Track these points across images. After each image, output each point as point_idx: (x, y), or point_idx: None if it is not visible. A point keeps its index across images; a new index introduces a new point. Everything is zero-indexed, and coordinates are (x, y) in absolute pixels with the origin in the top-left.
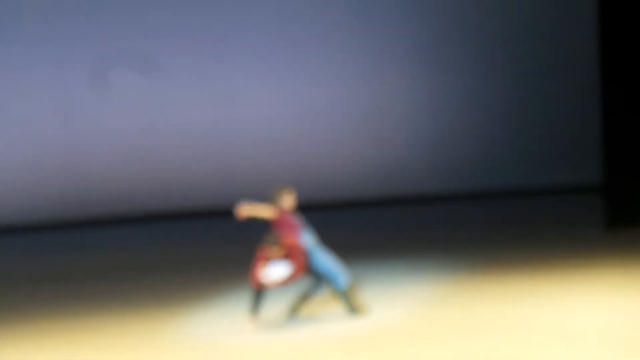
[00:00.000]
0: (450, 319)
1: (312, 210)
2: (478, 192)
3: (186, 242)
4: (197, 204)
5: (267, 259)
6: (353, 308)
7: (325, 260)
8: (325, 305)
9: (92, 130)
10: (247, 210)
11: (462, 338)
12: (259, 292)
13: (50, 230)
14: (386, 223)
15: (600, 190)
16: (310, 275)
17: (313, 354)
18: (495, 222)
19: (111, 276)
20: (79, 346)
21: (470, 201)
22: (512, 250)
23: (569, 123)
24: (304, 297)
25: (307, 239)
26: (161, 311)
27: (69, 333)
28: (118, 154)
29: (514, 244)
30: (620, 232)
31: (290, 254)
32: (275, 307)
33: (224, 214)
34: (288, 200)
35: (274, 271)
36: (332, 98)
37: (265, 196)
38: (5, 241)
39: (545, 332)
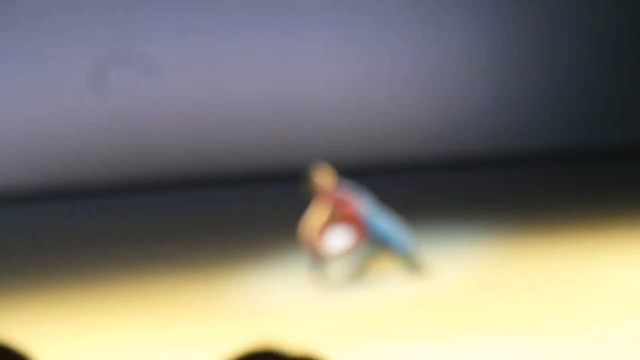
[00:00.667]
0: (514, 282)
1: (376, 173)
2: (545, 153)
3: (245, 206)
4: (258, 167)
5: (326, 228)
6: (414, 269)
7: (386, 224)
8: (386, 268)
9: (151, 95)
10: (314, 234)
11: (525, 297)
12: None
13: (112, 193)
14: (447, 186)
15: None
16: (372, 241)
17: (377, 315)
18: (556, 186)
19: (172, 239)
20: (139, 307)
21: (534, 163)
22: (571, 213)
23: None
24: (367, 259)
25: (364, 206)
26: (223, 274)
27: (130, 295)
28: (176, 117)
29: (572, 206)
30: None
31: (349, 222)
32: (338, 268)
33: (285, 177)
34: (323, 179)
35: (335, 241)
36: (393, 58)
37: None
38: (60, 204)
39: (607, 291)
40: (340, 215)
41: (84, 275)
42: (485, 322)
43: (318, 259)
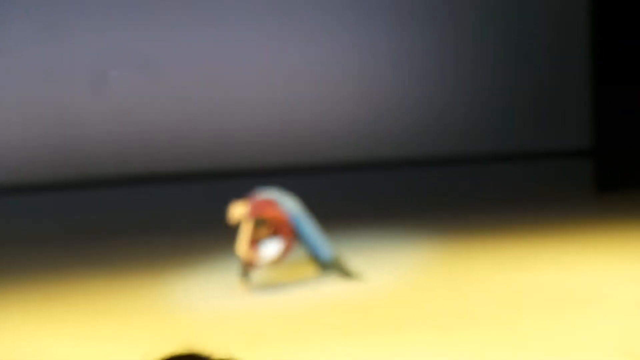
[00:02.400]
0: (444, 284)
1: (303, 174)
2: (465, 156)
3: (180, 205)
4: (189, 167)
5: (257, 241)
6: (345, 274)
7: (310, 230)
8: (312, 272)
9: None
10: (246, 249)
11: (456, 302)
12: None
13: (45, 191)
14: (375, 187)
15: (590, 154)
16: (301, 243)
17: (303, 318)
18: (482, 187)
19: (103, 239)
20: (66, 309)
21: (457, 165)
22: (501, 215)
23: (559, 85)
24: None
25: (289, 208)
26: (152, 274)
27: (57, 296)
28: (113, 117)
29: (502, 208)
30: (610, 197)
31: (277, 228)
32: (266, 272)
33: (218, 176)
34: (240, 208)
35: (266, 251)
36: (323, 58)
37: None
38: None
39: (539, 296)
40: (268, 219)
41: (11, 277)
42: (415, 322)
43: (252, 269)
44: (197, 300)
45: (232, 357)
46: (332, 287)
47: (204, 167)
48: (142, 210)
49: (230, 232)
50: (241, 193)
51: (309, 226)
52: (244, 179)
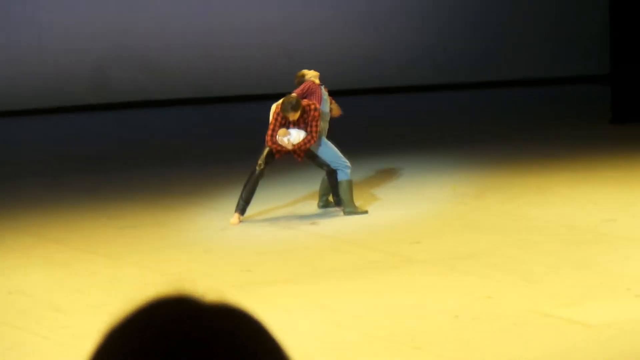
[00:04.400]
0: (452, 216)
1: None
2: (482, 82)
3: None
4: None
5: (283, 122)
6: (350, 204)
7: (332, 147)
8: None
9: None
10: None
11: (462, 236)
12: (252, 186)
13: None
14: (385, 113)
15: (608, 79)
16: (315, 159)
17: (301, 251)
18: (498, 115)
19: (105, 165)
20: (61, 244)
21: (474, 91)
22: (516, 145)
23: (577, 13)
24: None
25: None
26: (153, 205)
27: (51, 228)
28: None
29: (517, 138)
30: (625, 127)
31: (307, 118)
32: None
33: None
34: (310, 75)
35: (289, 134)
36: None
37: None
38: None
39: (547, 230)
40: (304, 103)
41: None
42: (422, 257)
43: (271, 148)
44: (189, 234)
45: (224, 298)
46: (327, 223)
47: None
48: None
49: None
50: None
51: (331, 145)
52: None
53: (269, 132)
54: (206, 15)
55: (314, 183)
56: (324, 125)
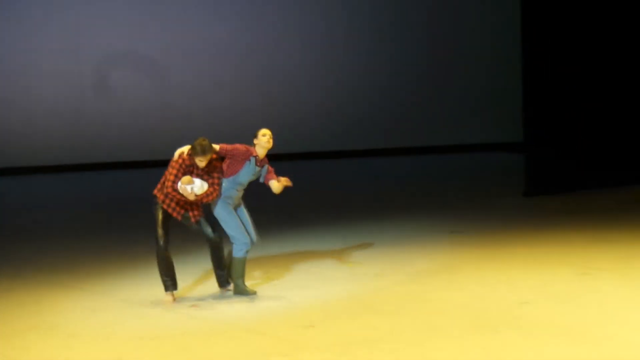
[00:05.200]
0: (350, 298)
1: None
2: (395, 149)
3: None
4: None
5: (187, 170)
6: (240, 284)
7: (237, 219)
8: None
9: None
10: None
11: (360, 319)
12: (167, 261)
13: None
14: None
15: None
16: (206, 226)
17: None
18: (409, 181)
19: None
20: None
21: (386, 158)
22: (421, 216)
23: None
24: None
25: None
26: (11, 282)
27: None
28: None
29: (423, 207)
30: (539, 200)
31: (211, 170)
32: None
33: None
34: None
35: (193, 183)
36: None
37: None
38: None
39: (454, 314)
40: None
41: None
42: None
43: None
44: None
45: None
46: (210, 305)
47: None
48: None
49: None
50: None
51: (242, 214)
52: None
53: (171, 177)
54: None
55: (201, 262)
56: (238, 194)
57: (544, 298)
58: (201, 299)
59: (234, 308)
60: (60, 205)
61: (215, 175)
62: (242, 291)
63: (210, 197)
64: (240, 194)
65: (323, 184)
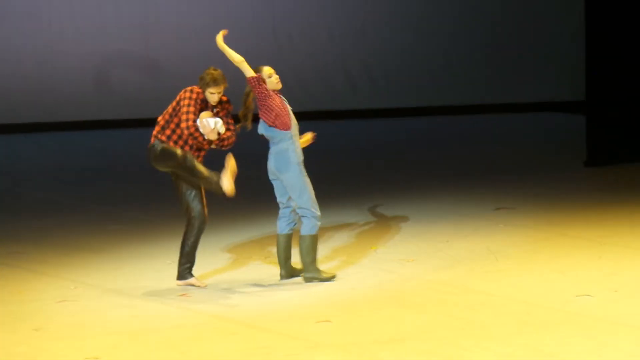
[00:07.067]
0: (373, 288)
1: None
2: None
3: None
4: None
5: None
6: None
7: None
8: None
9: None
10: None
11: (385, 314)
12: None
13: None
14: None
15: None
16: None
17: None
18: (452, 144)
19: None
20: None
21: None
22: (461, 189)
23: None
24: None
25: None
26: None
27: None
28: None
29: (465, 180)
30: (601, 171)
31: (221, 112)
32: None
33: None
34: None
35: (218, 124)
36: None
37: None
38: None
39: (499, 308)
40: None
41: None
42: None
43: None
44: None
45: None
46: (206, 295)
47: None
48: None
49: None
50: None
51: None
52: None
53: (187, 115)
54: None
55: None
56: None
57: (606, 291)
58: (195, 288)
59: (233, 299)
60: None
61: (230, 121)
62: (316, 276)
63: (230, 142)
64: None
65: (350, 146)
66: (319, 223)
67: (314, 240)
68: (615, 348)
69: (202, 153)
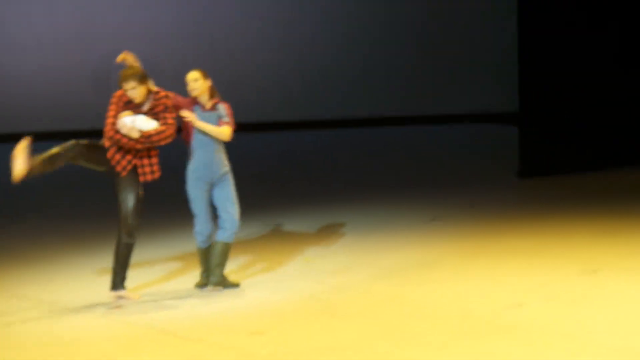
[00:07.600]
0: (307, 299)
1: None
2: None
3: None
4: None
5: (125, 107)
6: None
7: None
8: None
9: None
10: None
11: (319, 324)
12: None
13: None
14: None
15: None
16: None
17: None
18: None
19: None
20: None
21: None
22: (394, 200)
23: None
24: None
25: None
26: None
27: None
28: None
29: (400, 191)
30: (534, 182)
31: (156, 108)
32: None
33: None
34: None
35: (137, 121)
36: None
37: None
38: None
39: (433, 318)
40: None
41: None
42: None
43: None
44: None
45: None
46: (139, 307)
47: None
48: None
49: None
50: None
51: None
52: None
53: (109, 118)
54: None
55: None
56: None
57: (539, 299)
58: (126, 298)
59: (167, 310)
60: None
61: (167, 115)
62: (224, 282)
63: (163, 136)
64: (212, 154)
65: (291, 157)
66: (200, 238)
67: (201, 252)
68: (550, 356)
69: (140, 154)
